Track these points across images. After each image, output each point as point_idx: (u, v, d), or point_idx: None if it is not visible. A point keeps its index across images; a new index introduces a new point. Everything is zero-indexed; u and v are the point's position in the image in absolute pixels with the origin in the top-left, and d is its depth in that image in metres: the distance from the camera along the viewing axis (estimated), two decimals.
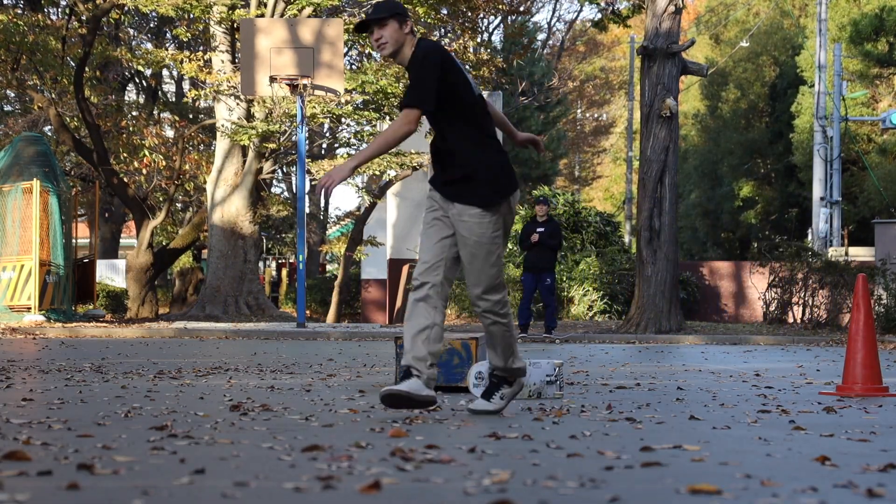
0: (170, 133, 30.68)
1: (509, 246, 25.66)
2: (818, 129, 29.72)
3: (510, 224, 5.90)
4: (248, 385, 7.82)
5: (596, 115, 54.90)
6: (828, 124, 29.98)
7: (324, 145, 36.46)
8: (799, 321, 21.67)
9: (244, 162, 24.69)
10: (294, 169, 36.24)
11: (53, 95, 26.67)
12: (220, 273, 24.46)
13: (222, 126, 24.40)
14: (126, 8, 25.40)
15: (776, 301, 22.10)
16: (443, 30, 31.20)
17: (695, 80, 40.85)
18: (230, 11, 23.82)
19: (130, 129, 27.79)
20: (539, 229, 17.05)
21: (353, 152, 28.38)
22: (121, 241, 42.99)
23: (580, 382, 8.55)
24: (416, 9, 23.97)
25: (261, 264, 38.83)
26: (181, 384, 7.81)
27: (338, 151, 31.45)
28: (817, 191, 29.67)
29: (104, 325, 20.08)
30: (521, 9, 38.22)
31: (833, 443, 4.80)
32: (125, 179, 27.06)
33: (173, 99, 38.01)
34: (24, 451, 4.05)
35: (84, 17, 25.55)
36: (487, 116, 5.93)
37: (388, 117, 25.25)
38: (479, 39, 28.61)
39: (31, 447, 4.25)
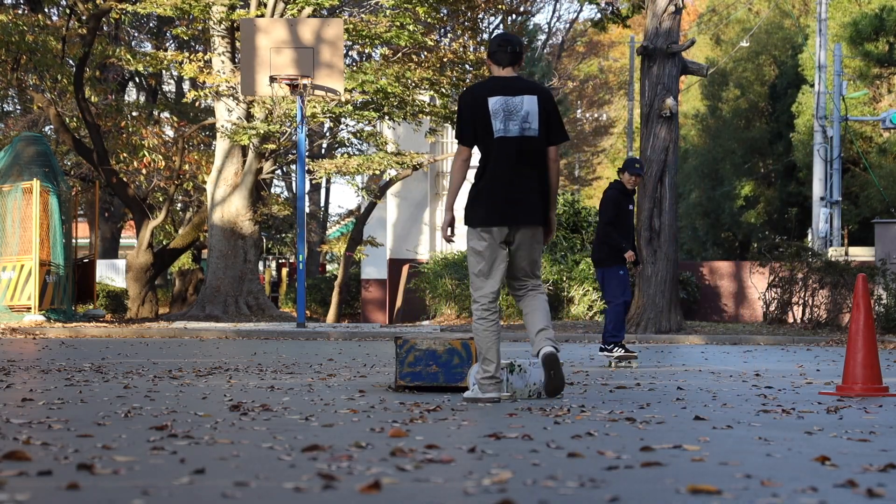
0: (170, 133, 30.68)
1: None
2: (818, 128, 29.72)
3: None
4: (248, 385, 7.82)
5: (596, 115, 54.89)
6: (828, 124, 29.98)
7: (324, 145, 36.46)
8: (799, 321, 21.66)
9: (244, 162, 24.68)
10: (294, 169, 36.24)
11: (53, 95, 26.66)
12: (220, 273, 24.45)
13: (222, 126, 24.39)
14: (126, 11, 25.38)
15: (776, 301, 22.09)
16: (443, 30, 31.18)
17: (695, 80, 40.84)
18: (230, 11, 23.81)
19: (130, 129, 27.77)
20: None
21: (352, 152, 28.35)
22: (121, 241, 42.99)
23: (580, 382, 8.55)
24: (417, 9, 23.96)
25: (261, 264, 38.83)
26: (181, 384, 7.81)
27: (337, 151, 31.42)
28: (817, 190, 29.67)
29: (104, 325, 20.08)
30: (521, 9, 38.22)
31: (833, 443, 4.80)
32: (125, 179, 27.05)
33: (173, 99, 38.01)
34: (24, 450, 4.05)
35: (84, 17, 25.54)
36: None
37: (387, 117, 25.23)
38: (479, 39, 28.57)
39: (31, 447, 4.24)
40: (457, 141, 6.83)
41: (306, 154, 21.24)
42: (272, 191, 32.61)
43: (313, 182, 36.27)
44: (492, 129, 6.72)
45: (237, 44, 23.33)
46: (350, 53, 30.00)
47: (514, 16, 37.23)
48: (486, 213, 6.73)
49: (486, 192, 6.74)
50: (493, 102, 6.74)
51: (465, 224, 6.88)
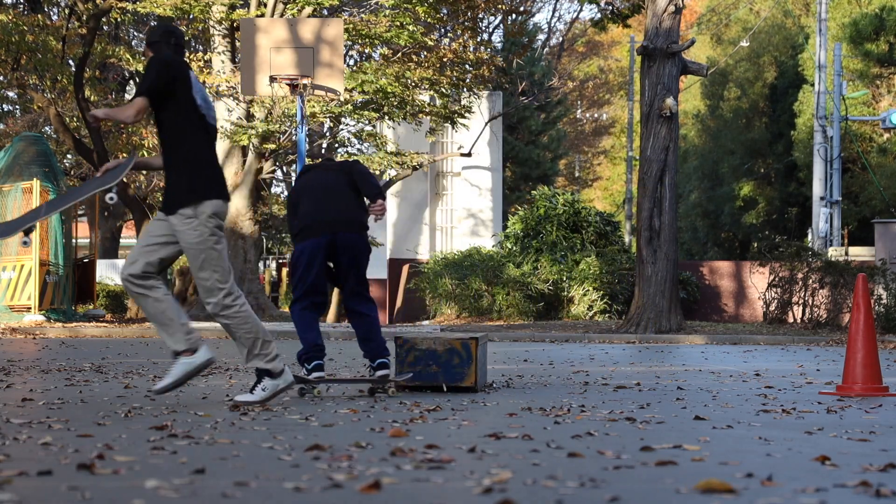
0: None
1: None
2: (818, 128, 29.72)
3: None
4: (248, 385, 7.81)
5: (596, 115, 54.92)
6: (828, 124, 29.98)
7: (324, 145, 36.46)
8: (799, 321, 21.65)
9: (244, 162, 24.69)
10: (294, 169, 36.23)
11: (53, 95, 26.66)
12: None
13: (222, 126, 24.39)
14: (126, 11, 25.37)
15: (776, 301, 22.08)
16: (443, 30, 31.17)
17: (695, 80, 40.84)
18: (230, 11, 23.81)
19: (130, 129, 27.77)
20: None
21: (352, 151, 28.33)
22: (121, 241, 42.97)
23: (580, 382, 8.55)
24: (417, 9, 23.95)
25: (261, 264, 38.82)
26: None
27: (337, 151, 31.41)
28: (817, 190, 29.67)
29: (104, 325, 20.07)
30: (521, 9, 38.20)
31: (833, 442, 4.80)
32: (125, 179, 27.05)
33: None
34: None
35: (84, 17, 25.54)
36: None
37: (387, 116, 25.24)
38: (479, 39, 28.56)
39: (31, 447, 4.24)
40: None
41: (306, 154, 21.23)
42: (272, 191, 32.61)
43: None
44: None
45: (237, 43, 23.32)
46: (350, 53, 29.99)
47: (513, 15, 37.21)
48: None
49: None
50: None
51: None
